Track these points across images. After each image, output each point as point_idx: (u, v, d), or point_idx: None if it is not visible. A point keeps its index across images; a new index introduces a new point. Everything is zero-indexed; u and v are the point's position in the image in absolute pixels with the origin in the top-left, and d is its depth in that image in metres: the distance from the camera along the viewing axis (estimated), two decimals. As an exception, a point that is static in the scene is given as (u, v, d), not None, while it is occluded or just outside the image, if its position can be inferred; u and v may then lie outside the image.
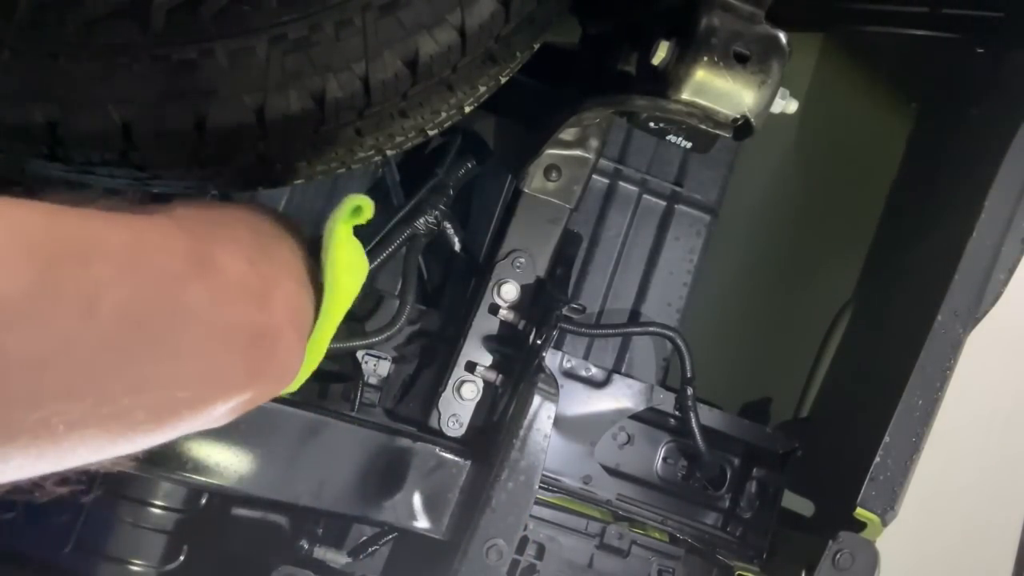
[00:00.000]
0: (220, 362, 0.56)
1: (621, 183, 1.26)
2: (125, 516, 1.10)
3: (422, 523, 1.02)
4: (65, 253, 0.46)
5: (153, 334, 0.50)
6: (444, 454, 1.04)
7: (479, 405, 1.09)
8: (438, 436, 1.07)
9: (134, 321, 0.49)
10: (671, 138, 1.04)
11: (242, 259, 0.59)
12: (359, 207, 0.73)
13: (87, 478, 0.51)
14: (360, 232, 0.76)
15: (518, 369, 1.08)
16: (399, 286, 1.15)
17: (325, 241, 0.71)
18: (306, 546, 1.09)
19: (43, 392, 0.44)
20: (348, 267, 0.72)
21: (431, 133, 0.90)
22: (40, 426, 0.44)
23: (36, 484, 0.48)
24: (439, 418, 1.08)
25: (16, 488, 0.47)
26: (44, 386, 0.44)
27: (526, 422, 0.97)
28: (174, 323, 0.52)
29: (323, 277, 0.71)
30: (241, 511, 1.14)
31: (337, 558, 1.08)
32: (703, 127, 0.95)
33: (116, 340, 0.47)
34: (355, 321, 1.12)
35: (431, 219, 1.12)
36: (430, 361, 1.14)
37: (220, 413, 0.57)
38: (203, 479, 0.97)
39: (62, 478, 0.50)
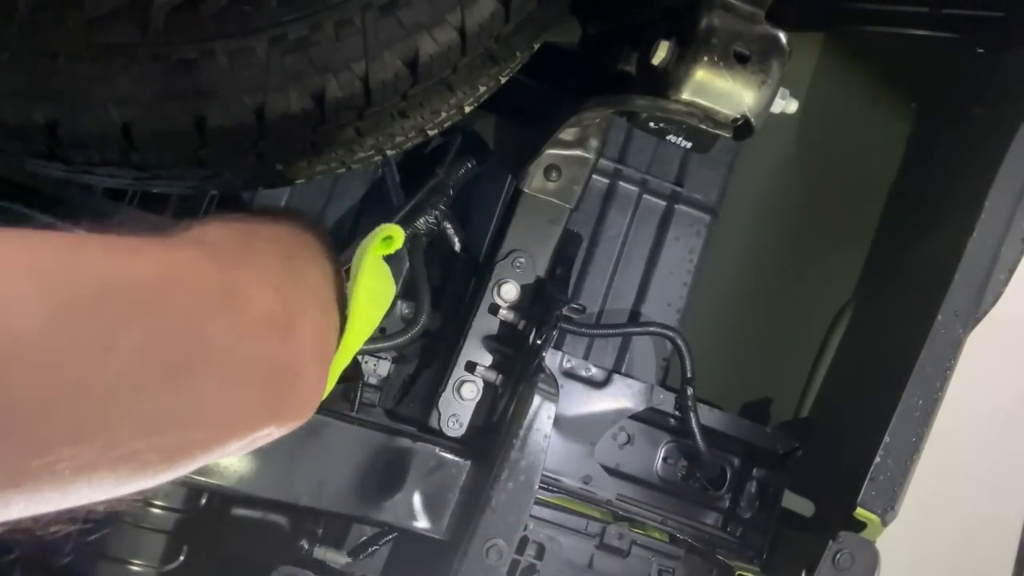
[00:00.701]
0: (238, 400, 0.54)
1: (621, 183, 1.26)
2: (125, 516, 1.10)
3: (422, 523, 1.02)
4: (84, 290, 0.44)
5: (170, 374, 0.48)
6: (444, 454, 1.04)
7: (479, 405, 1.09)
8: (438, 436, 1.07)
9: (152, 361, 0.47)
10: (671, 138, 1.04)
11: (270, 288, 0.58)
12: (390, 236, 0.73)
13: (92, 517, 0.49)
14: (361, 232, 0.76)
15: (518, 369, 1.08)
16: (399, 286, 1.15)
17: (354, 267, 0.71)
18: (306, 546, 1.09)
19: (51, 436, 0.42)
20: (373, 295, 0.71)
21: (431, 133, 0.90)
22: (45, 471, 0.42)
23: (37, 523, 0.46)
24: (439, 418, 1.08)
25: (15, 527, 0.45)
26: (52, 430, 0.42)
27: (526, 422, 0.97)
28: (193, 362, 0.50)
29: (348, 304, 0.70)
30: (241, 511, 1.14)
31: (337, 558, 1.08)
32: (703, 127, 0.95)
33: (131, 381, 0.45)
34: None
35: (431, 219, 1.12)
36: (430, 361, 1.14)
37: (234, 449, 0.55)
38: (203, 479, 0.97)
39: (67, 517, 0.48)
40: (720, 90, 0.93)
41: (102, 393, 0.44)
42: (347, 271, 0.75)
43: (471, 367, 1.09)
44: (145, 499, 1.10)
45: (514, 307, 1.10)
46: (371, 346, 1.04)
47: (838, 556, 1.00)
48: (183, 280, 0.51)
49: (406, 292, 1.14)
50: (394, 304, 1.09)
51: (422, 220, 1.12)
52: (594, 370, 1.17)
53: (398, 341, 1.05)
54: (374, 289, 0.72)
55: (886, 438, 1.02)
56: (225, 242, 0.60)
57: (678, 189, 1.27)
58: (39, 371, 0.41)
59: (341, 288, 0.71)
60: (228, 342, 0.52)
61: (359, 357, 1.10)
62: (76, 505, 0.46)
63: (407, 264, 1.14)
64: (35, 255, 0.44)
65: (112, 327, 0.45)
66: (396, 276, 1.00)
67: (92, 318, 0.44)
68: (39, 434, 0.41)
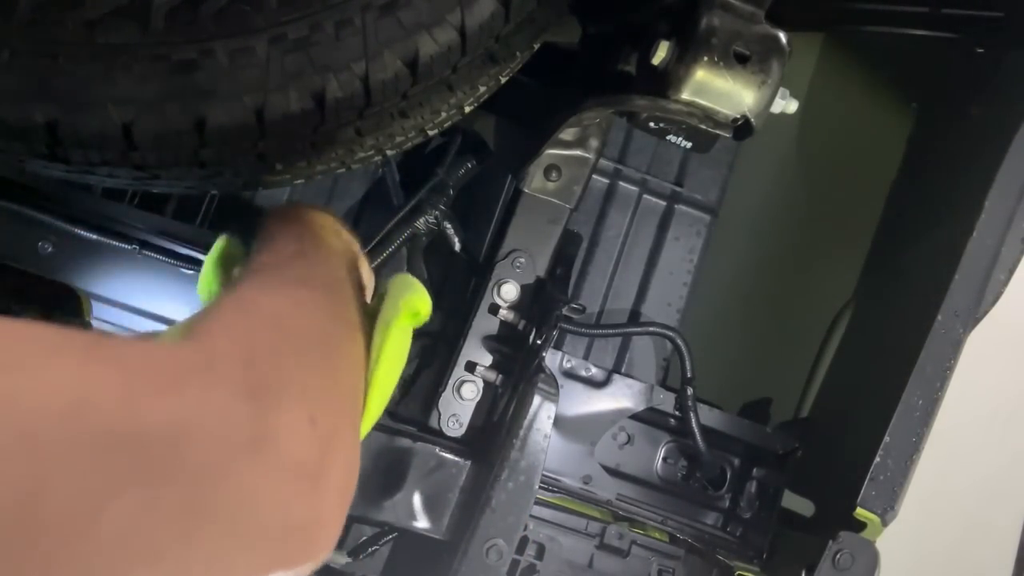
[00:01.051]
0: (249, 560, 0.46)
1: (621, 183, 1.26)
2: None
3: (422, 523, 1.02)
4: (84, 451, 0.38)
5: (160, 548, 0.41)
6: (444, 454, 1.04)
7: (479, 405, 1.09)
8: (438, 436, 1.07)
9: (141, 535, 0.39)
10: (671, 138, 1.04)
11: (305, 422, 0.50)
12: (418, 312, 0.68)
13: None
14: (360, 233, 0.76)
15: (518, 369, 1.08)
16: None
17: (377, 339, 0.65)
18: (306, 546, 1.08)
19: None
20: (395, 368, 0.66)
21: (431, 133, 0.90)
22: None
23: None
24: (439, 418, 1.08)
25: None
26: None
27: (526, 422, 0.97)
28: (192, 531, 0.42)
29: (369, 375, 0.64)
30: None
31: (337, 558, 1.08)
32: (703, 127, 0.95)
33: (109, 561, 0.39)
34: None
35: (431, 219, 1.12)
36: (430, 361, 1.14)
37: None
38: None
39: None
40: (720, 90, 0.93)
41: (82, 568, 0.37)
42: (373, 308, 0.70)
43: (471, 367, 1.09)
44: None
45: (514, 307, 1.10)
46: None
47: (838, 556, 1.00)
48: (208, 432, 0.43)
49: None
50: None
51: (422, 220, 1.12)
52: (594, 370, 1.17)
53: None
54: (396, 366, 0.66)
55: (886, 438, 1.02)
56: (269, 361, 0.50)
57: (678, 189, 1.27)
58: (9, 538, 0.35)
59: (367, 330, 0.65)
60: (242, 502, 0.44)
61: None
62: None
63: (406, 265, 1.14)
64: (33, 392, 0.37)
65: (103, 496, 0.38)
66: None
67: (82, 485, 0.37)
68: None
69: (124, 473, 0.39)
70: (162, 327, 1.09)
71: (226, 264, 0.75)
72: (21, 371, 0.37)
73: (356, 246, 0.78)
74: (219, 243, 0.76)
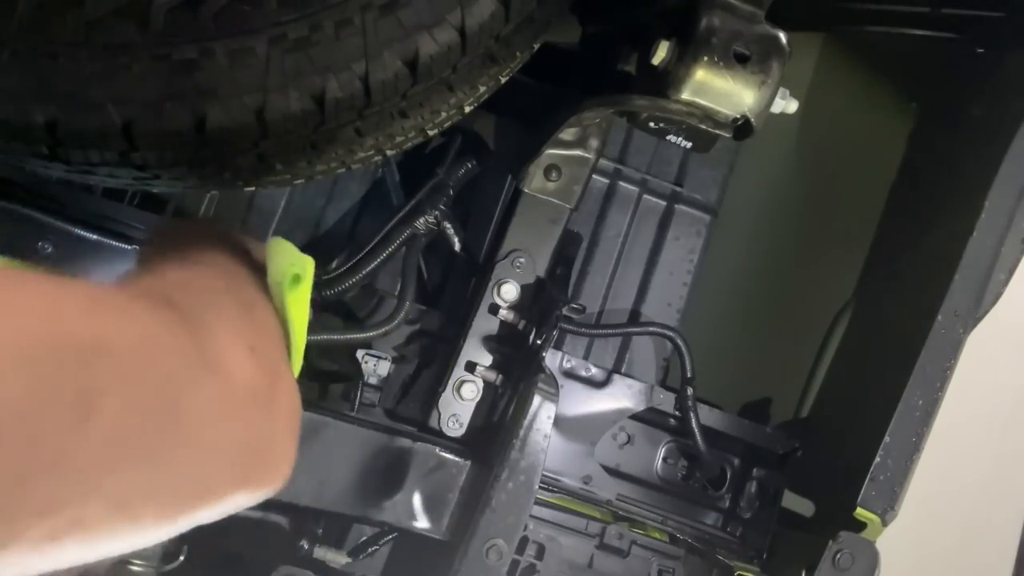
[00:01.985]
0: (213, 474, 0.53)
1: (621, 183, 1.26)
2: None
3: (422, 523, 1.02)
4: (67, 356, 0.42)
5: (147, 447, 0.46)
6: (444, 454, 1.04)
7: (479, 405, 1.09)
8: (438, 436, 1.07)
9: (129, 433, 0.45)
10: (671, 138, 1.04)
11: (245, 350, 0.56)
12: (298, 275, 0.70)
13: None
14: (360, 233, 0.76)
15: (518, 369, 1.08)
16: (399, 286, 1.15)
17: (277, 306, 0.69)
18: (306, 546, 1.09)
19: (20, 510, 0.41)
20: (302, 325, 0.70)
21: (431, 133, 0.90)
22: (12, 540, 0.41)
23: None
24: (439, 418, 1.08)
25: None
26: (23, 503, 0.41)
27: (526, 422, 0.97)
28: (172, 435, 0.48)
29: (285, 332, 0.68)
30: (241, 511, 1.14)
31: (337, 558, 1.08)
32: (703, 127, 0.95)
33: (107, 454, 0.44)
34: (354, 320, 1.12)
35: (431, 219, 1.12)
36: (430, 361, 1.14)
37: (202, 517, 0.54)
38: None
39: None
40: (720, 90, 0.93)
41: (77, 466, 0.43)
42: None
43: (471, 367, 1.09)
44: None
45: (514, 307, 1.10)
46: (358, 335, 1.05)
47: (838, 556, 1.00)
48: (165, 347, 0.49)
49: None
50: (390, 304, 1.10)
51: (422, 220, 1.12)
52: (594, 370, 1.17)
53: (384, 329, 1.05)
54: (302, 323, 0.70)
55: (886, 438, 1.02)
56: (193, 305, 0.56)
57: (678, 189, 1.27)
58: (14, 445, 0.40)
59: (272, 301, 0.70)
60: (208, 414, 0.51)
61: (359, 357, 1.10)
62: (39, 572, 0.45)
63: None
64: (19, 316, 0.42)
65: (92, 396, 0.43)
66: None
67: (72, 387, 0.42)
68: (11, 507, 0.40)
69: (106, 377, 0.44)
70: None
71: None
72: (4, 290, 0.42)
73: (238, 238, 0.78)
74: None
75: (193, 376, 0.50)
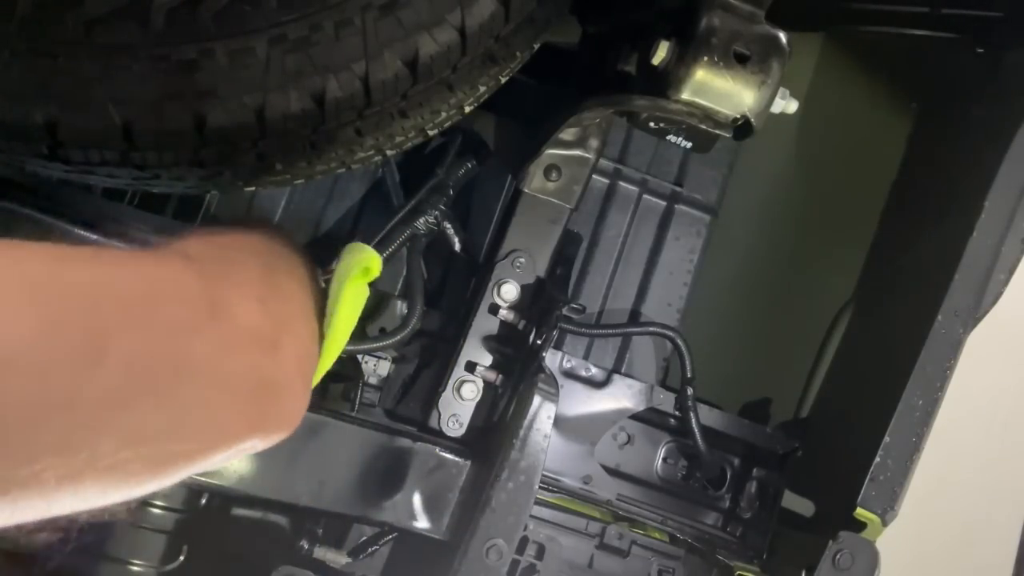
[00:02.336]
0: (224, 414, 0.55)
1: (621, 183, 1.26)
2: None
3: (422, 523, 1.02)
4: (74, 301, 0.45)
5: (158, 386, 0.49)
6: (444, 454, 1.04)
7: (479, 405, 1.09)
8: (438, 436, 1.07)
9: (139, 373, 0.47)
10: (671, 138, 1.04)
11: (253, 300, 0.59)
12: (368, 267, 0.75)
13: (76, 526, 0.50)
14: (361, 233, 0.77)
15: (518, 369, 1.08)
16: (399, 286, 1.15)
17: (332, 295, 0.72)
18: (306, 546, 1.09)
19: (39, 446, 0.42)
20: (350, 320, 0.73)
21: (431, 133, 0.90)
22: (32, 479, 0.42)
23: (20, 531, 0.46)
24: (439, 418, 1.08)
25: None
26: (40, 440, 0.42)
27: (526, 422, 0.97)
28: (180, 375, 0.50)
29: (326, 324, 0.71)
30: (241, 511, 1.14)
31: (337, 558, 1.08)
32: (703, 127, 0.95)
33: (119, 392, 0.46)
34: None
35: (431, 219, 1.12)
36: (430, 361, 1.14)
37: (218, 460, 0.56)
38: (203, 479, 0.97)
39: (50, 525, 0.48)
40: (720, 90, 0.93)
41: (90, 404, 0.44)
42: (326, 281, 0.76)
43: (471, 367, 1.09)
44: (145, 499, 1.10)
45: (514, 307, 1.10)
46: (366, 346, 1.04)
47: (838, 556, 1.00)
48: (170, 293, 0.52)
49: (403, 292, 1.14)
50: (392, 304, 1.09)
51: (422, 220, 1.12)
52: (594, 370, 1.17)
53: (389, 341, 1.04)
54: (351, 316, 0.74)
55: (886, 438, 1.02)
56: (207, 256, 0.60)
57: (678, 189, 1.27)
58: (29, 381, 0.41)
59: (319, 301, 0.72)
60: (214, 356, 0.53)
61: (359, 357, 1.10)
62: (60, 513, 0.46)
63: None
64: (25, 266, 0.44)
65: (101, 339, 0.45)
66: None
67: (82, 329, 0.44)
68: (27, 443, 0.42)
69: (115, 320, 0.46)
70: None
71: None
72: (8, 248, 0.44)
73: (301, 251, 0.81)
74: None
75: (199, 320, 0.52)
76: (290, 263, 0.72)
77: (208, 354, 0.52)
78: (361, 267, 0.75)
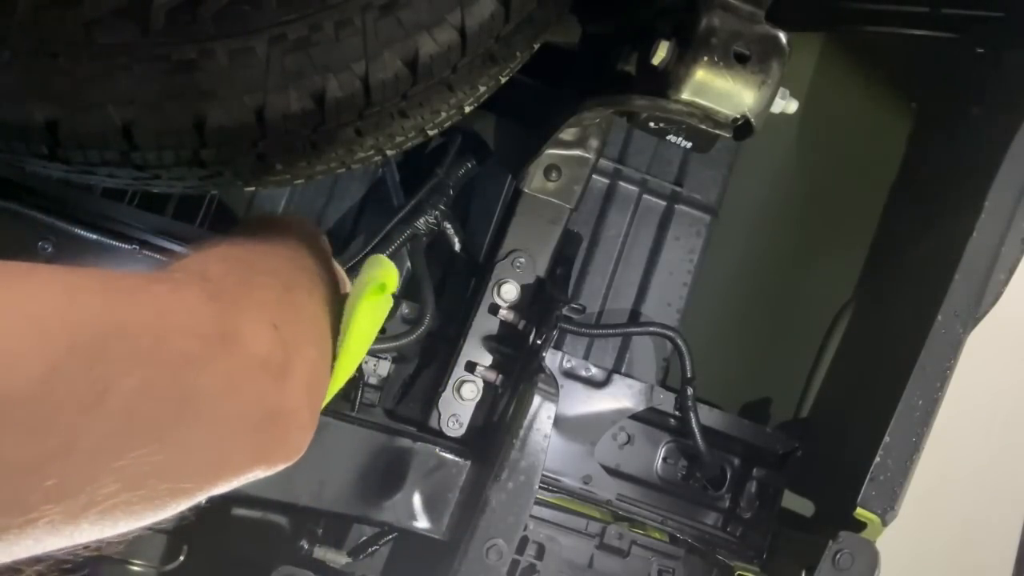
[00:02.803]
0: (228, 449, 0.53)
1: (621, 183, 1.26)
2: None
3: (422, 523, 1.02)
4: (81, 339, 0.43)
5: (160, 427, 0.47)
6: (444, 454, 1.04)
7: (479, 405, 1.09)
8: (438, 436, 1.07)
9: (142, 414, 0.45)
10: (671, 138, 1.04)
11: (267, 326, 0.56)
12: (384, 284, 0.74)
13: (72, 559, 0.48)
14: (360, 233, 0.77)
15: (518, 369, 1.08)
16: (400, 286, 1.15)
17: (347, 310, 0.71)
18: (306, 546, 1.09)
19: (34, 497, 0.41)
20: (364, 337, 0.72)
21: (431, 133, 0.90)
22: (26, 525, 0.41)
23: (12, 570, 0.45)
24: (439, 418, 1.08)
25: None
26: (37, 490, 0.41)
27: (526, 422, 0.97)
28: (184, 413, 0.48)
29: (339, 342, 0.70)
30: (241, 511, 1.14)
31: (337, 558, 1.08)
32: (703, 127, 0.95)
33: (120, 436, 0.44)
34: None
35: (431, 219, 1.12)
36: (430, 361, 1.14)
37: (219, 490, 0.54)
38: (203, 479, 0.97)
39: (45, 560, 0.46)
40: (720, 90, 0.93)
41: (90, 449, 0.43)
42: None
43: (471, 367, 1.09)
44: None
45: (514, 307, 1.10)
46: (376, 346, 1.04)
47: (838, 556, 1.00)
48: (181, 325, 0.50)
49: (408, 292, 1.14)
50: (397, 305, 1.09)
51: (422, 220, 1.12)
52: (594, 370, 1.17)
53: (403, 342, 1.05)
54: (366, 334, 0.72)
55: (886, 438, 1.02)
56: (226, 278, 0.58)
57: (678, 189, 1.27)
58: (30, 432, 0.40)
59: (337, 309, 0.71)
60: (221, 389, 0.51)
61: (360, 357, 1.10)
62: (55, 549, 0.45)
63: (407, 264, 1.14)
64: (34, 304, 0.42)
65: (106, 379, 0.43)
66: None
67: (87, 370, 0.43)
68: (23, 495, 0.40)
69: (120, 359, 0.44)
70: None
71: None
72: (20, 279, 0.43)
73: (328, 247, 0.82)
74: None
75: (208, 353, 0.50)
76: (313, 277, 0.70)
77: (215, 388, 0.50)
78: (377, 283, 0.73)
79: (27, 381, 0.40)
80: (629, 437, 1.20)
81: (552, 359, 1.15)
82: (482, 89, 0.89)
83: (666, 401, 1.16)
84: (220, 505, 1.14)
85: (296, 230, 0.79)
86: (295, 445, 0.60)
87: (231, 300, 0.55)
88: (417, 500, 1.02)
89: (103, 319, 0.45)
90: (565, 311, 1.05)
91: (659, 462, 1.20)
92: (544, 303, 1.09)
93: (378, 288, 0.73)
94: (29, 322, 0.41)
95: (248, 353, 0.54)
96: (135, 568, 1.10)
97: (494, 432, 1.06)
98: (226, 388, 0.52)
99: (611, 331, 1.22)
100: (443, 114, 0.87)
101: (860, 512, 1.02)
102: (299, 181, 0.88)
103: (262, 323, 0.56)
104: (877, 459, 1.02)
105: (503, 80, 0.91)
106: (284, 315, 0.60)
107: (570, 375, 1.17)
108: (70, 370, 0.42)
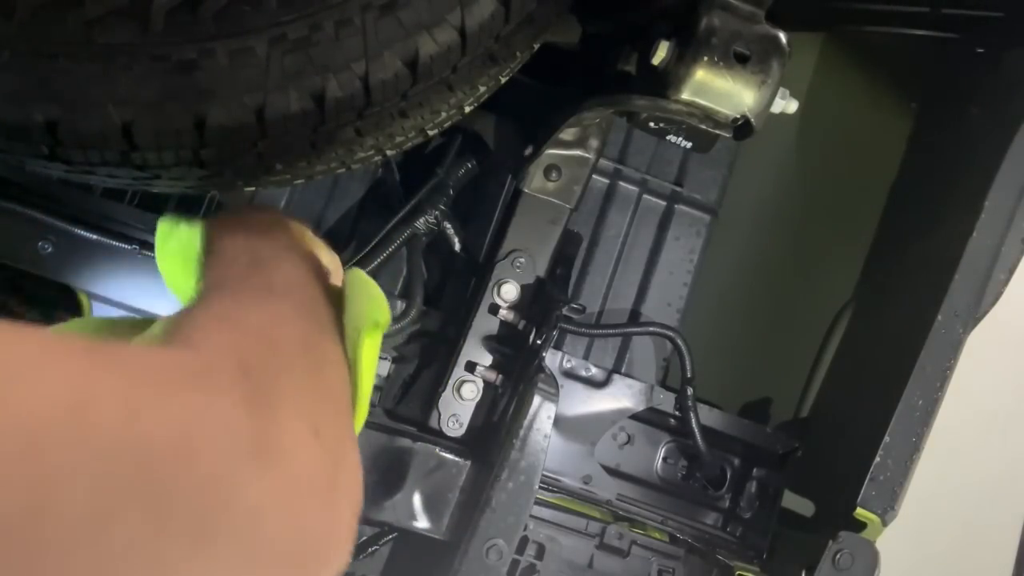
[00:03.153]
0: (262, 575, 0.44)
1: (621, 183, 1.26)
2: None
3: (422, 523, 1.02)
4: (86, 454, 0.35)
5: (182, 556, 0.39)
6: (444, 454, 1.04)
7: (479, 405, 1.09)
8: (438, 436, 1.07)
9: (156, 542, 0.38)
10: (671, 138, 1.04)
11: (308, 433, 0.48)
12: (377, 321, 0.71)
13: None
14: (360, 233, 0.77)
15: (518, 369, 1.08)
16: (399, 286, 1.15)
17: (350, 356, 0.68)
18: (306, 546, 1.09)
19: None
20: (371, 378, 0.69)
21: (431, 133, 0.90)
22: None
23: None
24: (439, 418, 1.08)
25: None
26: None
27: (526, 422, 0.97)
28: (213, 540, 0.40)
29: (352, 385, 0.66)
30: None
31: (337, 558, 1.08)
32: (703, 127, 0.95)
33: (127, 566, 0.37)
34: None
35: (431, 219, 1.12)
36: (430, 361, 1.14)
37: None
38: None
39: None
40: (720, 90, 0.93)
41: None
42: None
43: (471, 367, 1.09)
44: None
45: (514, 307, 1.10)
46: None
47: (838, 556, 1.00)
48: (213, 440, 0.41)
49: (402, 291, 1.14)
50: (391, 304, 1.10)
51: (422, 220, 1.12)
52: (594, 370, 1.17)
53: (398, 326, 1.05)
54: (372, 377, 0.69)
55: (886, 438, 1.02)
56: (262, 362, 0.49)
57: (678, 189, 1.27)
58: (15, 563, 0.33)
59: (340, 329, 0.68)
60: (257, 516, 0.42)
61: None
62: None
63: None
64: (34, 401, 0.35)
65: (113, 501, 0.36)
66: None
67: (90, 492, 0.35)
68: None
69: (131, 483, 0.37)
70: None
71: (184, 250, 0.76)
72: (20, 378, 0.35)
73: (307, 233, 0.79)
74: (161, 228, 0.78)
75: (244, 472, 0.42)
76: (323, 312, 0.65)
77: (251, 511, 0.42)
78: (371, 322, 0.69)
79: (16, 506, 0.33)
80: (629, 437, 1.20)
81: (552, 359, 1.15)
82: (482, 89, 0.89)
83: (666, 401, 1.16)
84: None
85: (274, 233, 0.74)
86: (337, 563, 0.50)
87: (271, 407, 0.46)
88: (417, 500, 1.02)
89: (118, 431, 0.37)
90: (565, 311, 1.05)
91: (659, 462, 1.20)
92: (544, 303, 1.09)
93: (374, 327, 0.70)
94: (28, 432, 0.34)
95: (292, 472, 0.45)
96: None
97: (494, 432, 1.06)
98: (259, 516, 0.42)
99: (611, 331, 1.22)
100: (443, 114, 0.87)
101: (860, 512, 1.02)
102: (299, 181, 0.88)
103: (303, 432, 0.47)
104: (877, 459, 1.02)
105: (503, 80, 0.91)
106: (322, 412, 0.52)
107: (570, 375, 1.17)
108: (69, 496, 0.35)
